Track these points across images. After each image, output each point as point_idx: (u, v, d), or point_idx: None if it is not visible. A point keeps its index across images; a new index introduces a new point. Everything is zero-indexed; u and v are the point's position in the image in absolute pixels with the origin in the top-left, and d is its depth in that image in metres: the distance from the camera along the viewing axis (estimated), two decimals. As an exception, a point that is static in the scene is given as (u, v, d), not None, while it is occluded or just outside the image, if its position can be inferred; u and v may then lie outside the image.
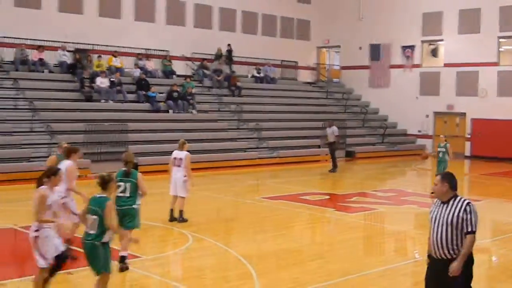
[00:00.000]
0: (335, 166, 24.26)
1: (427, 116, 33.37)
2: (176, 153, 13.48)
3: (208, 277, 9.65)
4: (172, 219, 13.27)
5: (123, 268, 9.35)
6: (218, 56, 31.26)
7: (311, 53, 37.88)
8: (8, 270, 9.94)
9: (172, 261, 10.64)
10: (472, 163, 29.91)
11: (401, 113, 34.10)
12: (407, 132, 34.25)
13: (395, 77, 34.74)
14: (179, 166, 13.33)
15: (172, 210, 13.36)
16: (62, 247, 7.78)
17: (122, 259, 9.43)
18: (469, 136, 31.66)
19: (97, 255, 7.31)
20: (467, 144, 31.67)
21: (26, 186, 18.34)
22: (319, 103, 33.94)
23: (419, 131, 33.73)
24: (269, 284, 9.07)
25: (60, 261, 7.80)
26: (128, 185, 9.82)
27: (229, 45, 31.63)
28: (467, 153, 31.56)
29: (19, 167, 19.85)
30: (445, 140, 18.45)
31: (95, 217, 7.28)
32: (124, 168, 9.97)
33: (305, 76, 36.72)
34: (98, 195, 7.48)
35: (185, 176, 13.27)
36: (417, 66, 33.86)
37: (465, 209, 6.21)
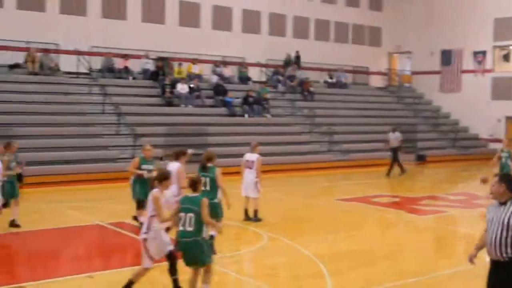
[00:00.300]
0: (401, 169, 23.46)
1: (499, 120, 32.27)
2: (248, 156, 13.55)
3: (281, 275, 9.67)
4: (246, 218, 13.36)
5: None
6: (287, 62, 31.27)
7: (382, 59, 37.35)
8: (95, 263, 10.27)
9: (247, 259, 10.71)
10: (546, 167, 28.64)
11: (473, 117, 33.12)
12: (478, 136, 33.22)
13: (466, 82, 33.80)
14: (250, 168, 13.39)
15: (246, 210, 13.46)
16: (170, 247, 7.94)
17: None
18: (542, 141, 30.38)
19: (202, 250, 7.52)
20: (540, 149, 30.41)
21: (112, 186, 18.96)
22: (390, 107, 33.39)
23: (491, 135, 32.65)
24: (341, 283, 8.99)
25: (172, 260, 7.97)
26: (207, 180, 10.47)
27: (297, 51, 31.55)
28: (540, 157, 30.29)
29: (106, 167, 20.46)
30: (509, 145, 17.66)
31: (191, 215, 7.45)
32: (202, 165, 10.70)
33: (376, 81, 36.24)
34: (190, 195, 7.69)
35: (256, 177, 13.32)
36: (489, 71, 32.84)
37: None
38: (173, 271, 8.01)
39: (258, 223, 13.12)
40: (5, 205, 12.08)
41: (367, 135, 28.80)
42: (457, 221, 15.01)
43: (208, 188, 10.45)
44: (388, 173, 23.11)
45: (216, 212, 10.29)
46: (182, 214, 7.53)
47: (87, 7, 26.72)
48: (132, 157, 21.36)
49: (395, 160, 23.44)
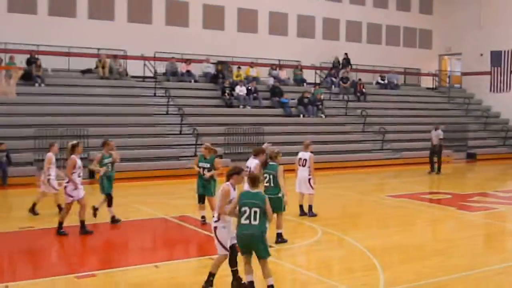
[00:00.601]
0: (439, 169, 22.70)
1: (550, 119, 31.16)
2: (301, 154, 13.55)
3: (335, 268, 9.62)
4: (302, 213, 13.34)
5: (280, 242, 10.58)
6: (336, 64, 30.96)
7: (433, 61, 36.61)
8: (160, 254, 10.46)
9: (302, 251, 10.70)
10: None
11: (524, 117, 32.09)
12: (529, 135, 32.16)
13: (517, 82, 32.77)
14: (303, 165, 13.38)
15: (301, 206, 13.44)
16: (234, 240, 7.93)
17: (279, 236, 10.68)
18: None
19: (265, 242, 7.62)
20: None
21: (176, 182, 19.29)
22: (440, 107, 32.70)
23: (541, 134, 31.58)
24: (392, 276, 8.88)
25: (234, 252, 8.01)
26: (270, 176, 10.81)
27: (346, 53, 31.21)
28: None
29: (170, 164, 20.82)
30: None
31: (256, 209, 7.48)
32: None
33: (427, 82, 35.56)
34: (252, 191, 7.69)
35: (309, 175, 13.30)
36: (539, 70, 31.73)
37: None
38: (234, 263, 8.04)
39: (313, 218, 13.08)
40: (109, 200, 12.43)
41: (418, 134, 28.25)
42: (507, 217, 14.57)
43: (272, 184, 10.76)
44: (433, 170, 22.61)
45: (278, 206, 10.49)
46: (246, 208, 7.52)
47: (152, 16, 27.25)
48: (194, 155, 21.81)
49: (437, 157, 22.79)
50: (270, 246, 10.40)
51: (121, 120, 22.58)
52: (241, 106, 25.55)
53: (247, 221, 7.51)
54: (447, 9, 35.85)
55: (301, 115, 26.34)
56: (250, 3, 29.73)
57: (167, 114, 23.93)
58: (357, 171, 23.13)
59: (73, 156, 11.31)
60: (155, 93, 24.90)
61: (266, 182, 10.75)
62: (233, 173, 7.97)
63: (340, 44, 32.45)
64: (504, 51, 33.11)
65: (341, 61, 31.21)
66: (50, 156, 13.00)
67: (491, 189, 19.00)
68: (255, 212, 7.49)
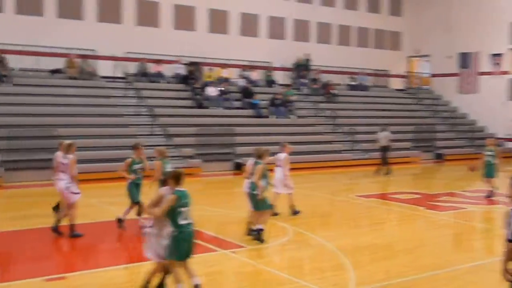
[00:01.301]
0: (387, 168, 22.62)
1: (515, 120, 31.83)
2: (278, 155, 13.62)
3: (306, 267, 9.65)
4: (274, 213, 13.36)
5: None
6: (298, 65, 30.94)
7: (402, 62, 37.05)
8: (131, 255, 10.34)
9: (273, 251, 10.70)
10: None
11: (490, 117, 32.72)
12: (495, 135, 32.73)
13: (483, 84, 33.36)
14: (280, 166, 13.44)
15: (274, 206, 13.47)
16: None
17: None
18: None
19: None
20: (556, 147, 29.96)
21: (144, 183, 19.06)
22: (409, 108, 33.12)
23: (508, 135, 32.18)
24: (363, 275, 8.94)
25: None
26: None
27: (307, 54, 31.14)
28: (556, 156, 29.84)
29: (140, 166, 20.61)
30: (494, 144, 17.19)
31: (189, 208, 7.42)
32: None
33: (396, 83, 35.96)
34: (183, 189, 7.47)
35: (284, 175, 13.39)
36: (505, 72, 32.35)
37: (507, 215, 5.55)
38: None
39: (284, 218, 13.09)
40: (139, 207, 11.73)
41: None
42: (474, 217, 14.82)
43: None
44: (384, 172, 22.53)
45: (256, 203, 10.86)
46: (185, 209, 7.31)
47: (123, 16, 27.02)
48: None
49: (384, 158, 22.78)
50: (242, 246, 10.43)
51: (91, 120, 22.33)
52: (212, 107, 25.49)
53: (187, 221, 7.33)
54: (416, 11, 36.34)
55: (272, 116, 26.39)
56: (221, 4, 29.68)
57: (137, 115, 23.75)
58: (327, 172, 23.26)
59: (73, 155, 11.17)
60: (125, 94, 24.68)
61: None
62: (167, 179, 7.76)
63: (310, 46, 32.61)
64: (472, 53, 33.68)
65: (303, 62, 31.10)
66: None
67: (458, 189, 19.30)
68: (189, 211, 7.34)
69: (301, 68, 30.94)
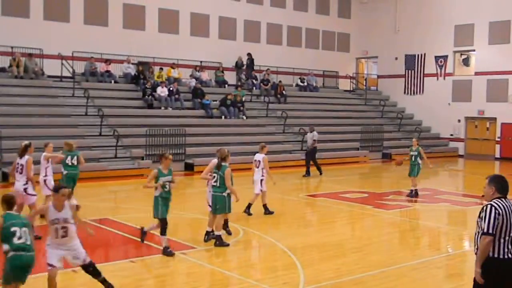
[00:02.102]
0: (312, 170, 22.10)
1: (459, 121, 32.73)
2: (257, 156, 14.04)
3: (257, 267, 9.67)
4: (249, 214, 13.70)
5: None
6: (240, 65, 30.96)
7: (351, 64, 37.63)
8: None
9: (224, 252, 10.67)
10: (502, 164, 29.18)
11: (435, 118, 33.59)
12: (440, 135, 33.65)
13: (429, 85, 34.19)
14: (257, 167, 13.88)
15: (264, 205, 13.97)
16: None
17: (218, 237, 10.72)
18: (498, 139, 30.96)
19: None
20: (497, 147, 30.99)
21: (95, 184, 18.80)
22: (358, 109, 33.65)
23: (451, 135, 33.10)
24: (313, 274, 9.02)
25: None
26: (218, 176, 10.83)
27: (249, 54, 31.12)
28: (497, 155, 30.91)
29: (89, 167, 20.21)
30: (417, 144, 17.37)
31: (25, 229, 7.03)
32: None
33: (345, 84, 36.46)
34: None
35: (262, 175, 13.80)
36: (450, 74, 33.25)
37: (482, 209, 5.69)
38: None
39: (234, 218, 13.07)
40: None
41: (336, 135, 29.00)
42: (420, 215, 15.16)
43: (218, 184, 10.79)
44: (308, 174, 22.13)
45: (222, 205, 10.72)
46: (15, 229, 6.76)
47: (70, 14, 26.48)
48: (115, 157, 21.37)
49: (312, 159, 22.54)
50: (193, 248, 10.35)
51: (38, 121, 21.77)
52: (163, 108, 25.26)
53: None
54: (365, 14, 36.95)
55: (223, 117, 26.36)
56: (171, 4, 29.44)
57: (86, 115, 23.29)
58: (278, 171, 23.31)
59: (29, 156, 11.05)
60: (73, 94, 24.17)
61: (214, 182, 10.84)
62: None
63: (261, 46, 32.76)
64: (418, 55, 34.49)
65: (245, 62, 31.02)
66: (47, 156, 12.62)
67: (405, 188, 19.66)
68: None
69: (242, 67, 30.79)
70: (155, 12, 28.95)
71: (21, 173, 11.17)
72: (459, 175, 26.77)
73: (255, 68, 31.10)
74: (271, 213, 13.78)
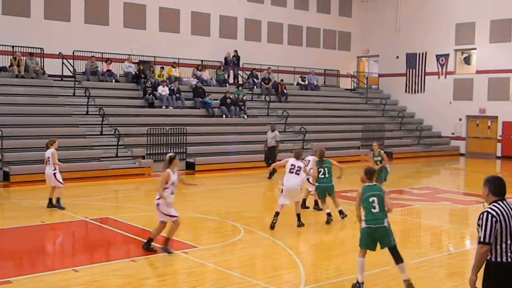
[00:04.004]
0: (274, 171, 19.75)
1: (460, 119, 32.71)
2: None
3: (258, 266, 9.67)
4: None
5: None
6: (229, 61, 30.73)
7: (352, 62, 37.62)
8: (81, 257, 10.17)
9: (225, 251, 10.68)
10: (503, 163, 29.18)
11: (436, 116, 33.57)
12: (441, 134, 33.64)
13: (430, 84, 34.18)
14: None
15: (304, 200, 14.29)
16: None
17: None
18: (500, 138, 30.94)
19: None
20: (498, 145, 30.97)
21: (96, 183, 18.83)
22: (358, 108, 33.65)
23: (453, 133, 33.09)
24: (314, 273, 9.03)
25: None
26: (326, 169, 13.27)
27: (235, 51, 30.77)
28: (498, 153, 30.89)
29: (90, 166, 20.29)
30: (379, 148, 16.50)
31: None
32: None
33: (346, 83, 36.44)
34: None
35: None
36: (451, 73, 33.24)
37: (479, 217, 5.53)
38: None
39: (236, 217, 13.09)
40: None
41: (337, 134, 29.00)
42: (422, 214, 15.16)
43: (326, 175, 13.30)
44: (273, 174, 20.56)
45: (333, 190, 13.34)
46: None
47: (70, 13, 26.50)
48: (116, 156, 21.38)
49: (272, 159, 20.94)
50: (194, 247, 10.34)
51: (39, 120, 21.77)
52: (164, 107, 25.26)
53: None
54: (366, 12, 36.93)
55: (224, 116, 26.36)
56: (172, 3, 29.45)
57: (87, 114, 23.29)
58: (280, 171, 23.26)
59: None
60: (74, 93, 24.17)
61: (322, 175, 13.26)
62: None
63: (261, 45, 32.78)
64: (419, 54, 34.48)
65: (230, 59, 30.62)
66: (54, 152, 14.15)
67: (406, 187, 19.71)
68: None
69: (230, 63, 30.62)
70: (156, 11, 28.96)
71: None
72: (461, 174, 26.76)
73: (255, 67, 31.09)
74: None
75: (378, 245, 8.24)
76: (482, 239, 5.41)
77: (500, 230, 5.41)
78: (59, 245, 11.00)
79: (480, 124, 32.08)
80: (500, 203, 5.50)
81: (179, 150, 22.83)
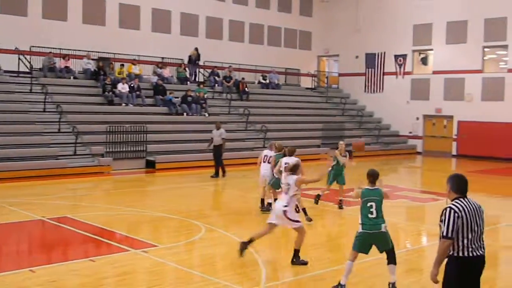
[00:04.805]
0: (223, 171, 20.52)
1: (417, 118, 33.32)
2: (267, 152, 14.26)
3: (219, 264, 9.65)
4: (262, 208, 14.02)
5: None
6: (193, 60, 30.35)
7: (312, 62, 37.89)
8: (37, 257, 9.97)
9: (186, 249, 10.63)
10: (458, 161, 29.86)
11: (394, 116, 34.12)
12: (399, 133, 34.20)
13: (388, 83, 34.70)
14: (268, 162, 14.06)
15: (262, 200, 14.24)
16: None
17: None
18: (455, 137, 31.63)
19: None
20: (454, 144, 31.66)
21: (53, 182, 18.48)
22: (319, 107, 33.90)
23: (410, 132, 33.69)
24: (274, 271, 9.06)
25: None
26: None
27: (196, 48, 30.33)
28: (454, 152, 31.56)
29: (48, 164, 19.90)
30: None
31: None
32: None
33: (306, 82, 36.69)
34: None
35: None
36: (409, 73, 33.81)
37: (442, 212, 5.73)
38: None
39: (197, 215, 13.04)
40: None
41: (298, 132, 29.18)
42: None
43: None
44: (217, 175, 20.39)
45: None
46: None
47: (28, 8, 25.92)
48: (74, 154, 21.02)
49: (217, 158, 20.60)
50: (154, 246, 10.25)
51: (-6, 117, 21.25)
52: (123, 104, 24.95)
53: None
54: (326, 12, 37.25)
55: (185, 114, 26.22)
56: (132, -1, 29.14)
57: (44, 111, 22.82)
58: (240, 169, 23.35)
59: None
60: (31, 89, 23.65)
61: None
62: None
63: (223, 43, 32.72)
64: (378, 54, 34.96)
65: (195, 57, 30.33)
66: None
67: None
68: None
69: (193, 61, 30.43)
70: (116, 7, 28.58)
71: None
72: (418, 172, 27.26)
73: (216, 65, 31.00)
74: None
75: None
76: (445, 234, 5.58)
77: (462, 225, 5.59)
78: (15, 245, 10.75)
79: (436, 124, 32.74)
80: (462, 200, 5.69)
81: (139, 148, 22.61)
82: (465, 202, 5.69)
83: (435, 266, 5.70)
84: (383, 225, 8.24)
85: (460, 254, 5.64)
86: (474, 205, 5.72)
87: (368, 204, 8.28)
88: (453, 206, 5.65)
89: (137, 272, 9.06)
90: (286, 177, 9.80)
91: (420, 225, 13.43)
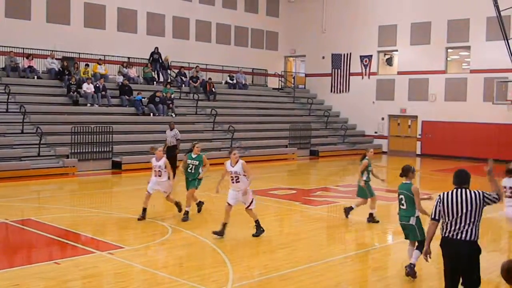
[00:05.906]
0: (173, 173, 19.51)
1: (383, 118, 33.71)
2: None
3: (185, 265, 9.59)
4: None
5: None
6: (155, 59, 29.88)
7: (279, 62, 38.01)
8: (0, 261, 9.76)
9: (152, 251, 10.54)
10: (422, 160, 30.31)
11: (360, 116, 34.46)
12: (365, 133, 34.56)
13: (354, 84, 35.03)
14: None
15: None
16: None
17: None
18: (419, 137, 32.11)
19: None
20: (418, 144, 32.14)
21: (16, 184, 18.13)
22: (286, 107, 34.03)
23: (376, 132, 34.08)
24: (242, 271, 9.05)
25: None
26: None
27: (156, 48, 29.83)
28: (418, 151, 32.05)
29: (10, 165, 19.52)
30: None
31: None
32: None
33: (273, 82, 36.78)
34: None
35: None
36: (374, 74, 34.18)
37: None
38: None
39: (163, 216, 12.95)
40: None
41: (265, 132, 29.24)
42: (346, 210, 15.45)
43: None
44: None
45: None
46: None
47: (-10, 7, 25.41)
48: (38, 155, 20.65)
49: (173, 160, 19.38)
50: (120, 247, 10.16)
51: (-46, 118, 20.76)
52: (89, 104, 24.63)
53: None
54: (293, 13, 37.41)
55: (152, 114, 26.01)
56: (97, -2, 28.79)
57: (6, 112, 22.37)
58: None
59: None
60: (-7, 90, 23.20)
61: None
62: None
63: (190, 43, 32.58)
64: (344, 54, 35.26)
65: (153, 56, 29.94)
66: None
67: (332, 184, 20.11)
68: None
69: (156, 61, 30.14)
70: (81, 6, 28.19)
71: None
72: (383, 171, 27.55)
73: (183, 65, 30.84)
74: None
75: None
76: (432, 216, 6.68)
77: (442, 210, 6.56)
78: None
79: (401, 124, 33.19)
80: (454, 190, 6.58)
81: (105, 149, 22.35)
82: (452, 192, 6.56)
83: (426, 243, 6.81)
84: (412, 218, 8.85)
85: (443, 234, 6.56)
86: (462, 194, 6.49)
87: (400, 197, 9.06)
88: (440, 194, 6.63)
89: (103, 274, 8.94)
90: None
91: (386, 224, 13.56)
